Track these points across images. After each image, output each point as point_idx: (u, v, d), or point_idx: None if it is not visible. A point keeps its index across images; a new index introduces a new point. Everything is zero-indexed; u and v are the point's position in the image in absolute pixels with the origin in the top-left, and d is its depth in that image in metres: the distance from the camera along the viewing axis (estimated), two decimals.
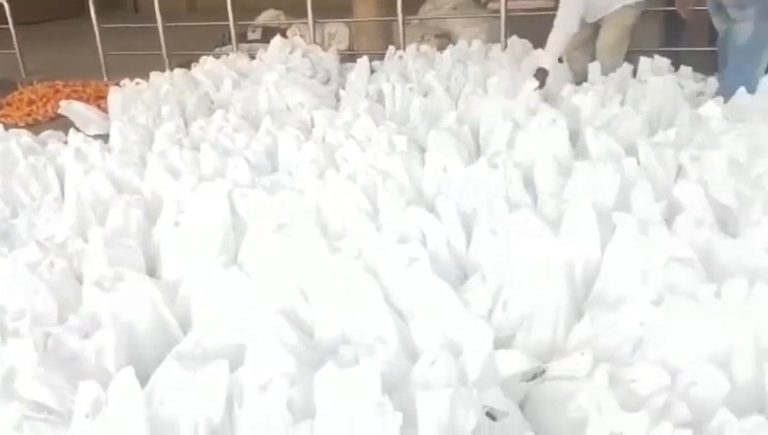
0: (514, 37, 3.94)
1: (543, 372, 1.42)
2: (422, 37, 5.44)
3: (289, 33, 5.43)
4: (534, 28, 3.98)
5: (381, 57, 4.12)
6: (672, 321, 1.41)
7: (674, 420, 1.17)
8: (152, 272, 1.94)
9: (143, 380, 1.28)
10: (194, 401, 1.25)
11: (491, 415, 1.28)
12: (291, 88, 3.49)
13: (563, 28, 3.09)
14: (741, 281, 1.45)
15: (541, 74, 3.07)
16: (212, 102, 3.66)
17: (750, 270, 1.52)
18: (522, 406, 1.39)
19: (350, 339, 1.52)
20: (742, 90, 2.58)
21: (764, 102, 2.49)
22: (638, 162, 2.13)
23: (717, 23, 3.08)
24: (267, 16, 6.29)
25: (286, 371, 1.31)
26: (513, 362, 1.40)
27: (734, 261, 1.60)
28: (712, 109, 2.38)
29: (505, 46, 3.99)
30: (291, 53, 4.24)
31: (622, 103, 2.65)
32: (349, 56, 4.76)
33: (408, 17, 4.98)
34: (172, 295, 1.70)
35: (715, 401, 1.22)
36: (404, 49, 4.17)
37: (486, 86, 3.17)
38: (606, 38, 3.35)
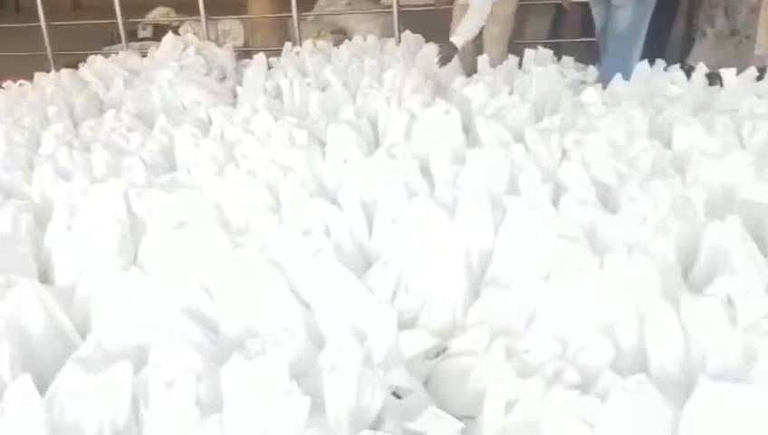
0: (407, 32, 4.02)
1: (446, 349, 1.49)
2: (318, 33, 5.45)
3: (181, 30, 5.29)
4: (425, 23, 4.11)
5: (278, 53, 4.10)
6: (561, 294, 1.51)
7: (565, 384, 1.25)
8: (45, 278, 1.87)
9: (42, 387, 1.24)
10: (97, 403, 1.23)
11: (396, 394, 1.33)
12: (185, 86, 3.42)
13: (478, 10, 3.15)
14: (621, 253, 1.57)
15: (448, 49, 3.13)
16: (102, 103, 3.54)
17: (628, 243, 1.64)
18: (426, 382, 1.45)
19: (257, 332, 1.53)
20: (618, 76, 2.76)
21: (638, 88, 2.69)
22: (527, 148, 2.24)
23: (597, 13, 3.26)
24: (158, 14, 6.12)
25: (192, 367, 1.31)
26: (417, 342, 1.46)
27: (614, 235, 1.72)
28: (591, 95, 2.53)
29: (399, 41, 4.07)
30: (184, 50, 4.14)
31: (510, 93, 2.78)
32: (245, 53, 4.70)
33: (304, 14, 4.97)
34: (69, 300, 1.65)
35: (602, 364, 1.32)
36: (300, 45, 4.16)
37: (382, 80, 3.23)
38: (491, 28, 3.48)
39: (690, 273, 1.67)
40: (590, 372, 1.31)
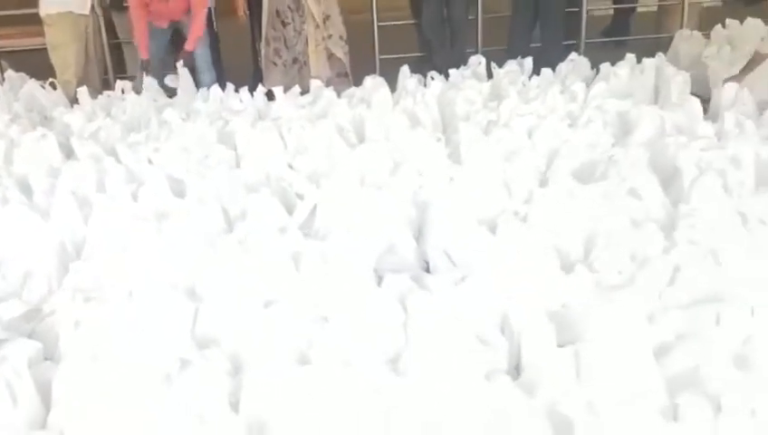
0: (10, 71, 4.16)
1: (40, 311, 1.86)
2: None
3: None
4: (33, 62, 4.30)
5: None
6: (137, 253, 1.98)
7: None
8: None
9: None
10: None
11: None
12: None
13: None
14: (182, 218, 2.13)
15: None
16: None
17: (191, 215, 2.20)
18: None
19: None
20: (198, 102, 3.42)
21: (214, 106, 3.34)
22: (117, 160, 2.69)
23: None
24: None
25: None
26: (12, 309, 1.80)
27: (183, 212, 2.25)
28: (172, 114, 3.09)
29: (3, 80, 4.18)
30: None
31: (107, 117, 3.21)
32: None
33: None
34: None
35: None
36: None
37: None
38: None
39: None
40: None
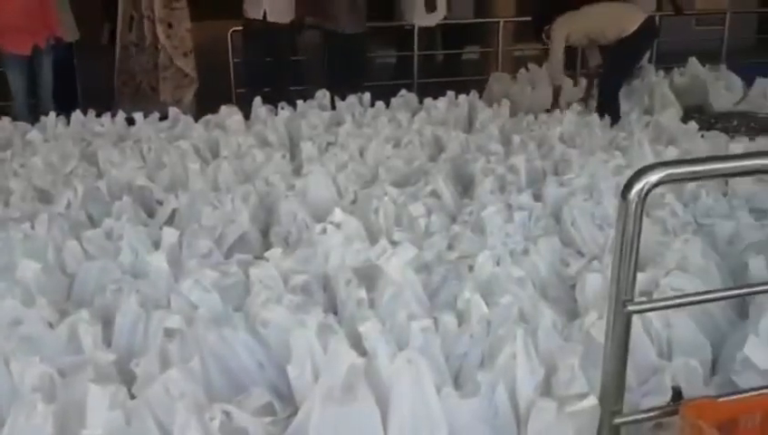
0: None
1: None
2: None
3: None
4: None
5: None
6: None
7: None
8: None
9: None
10: None
11: None
12: None
13: None
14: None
15: None
16: None
17: None
18: None
19: None
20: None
21: (75, 129, 3.63)
22: None
23: None
24: None
25: None
26: None
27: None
28: (34, 135, 3.37)
29: None
30: None
31: None
32: None
33: None
34: None
35: None
36: None
37: None
38: None
39: None
40: None
